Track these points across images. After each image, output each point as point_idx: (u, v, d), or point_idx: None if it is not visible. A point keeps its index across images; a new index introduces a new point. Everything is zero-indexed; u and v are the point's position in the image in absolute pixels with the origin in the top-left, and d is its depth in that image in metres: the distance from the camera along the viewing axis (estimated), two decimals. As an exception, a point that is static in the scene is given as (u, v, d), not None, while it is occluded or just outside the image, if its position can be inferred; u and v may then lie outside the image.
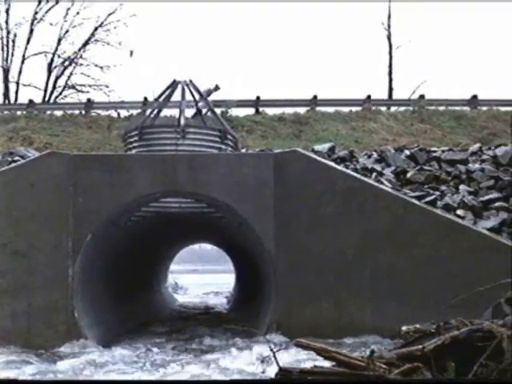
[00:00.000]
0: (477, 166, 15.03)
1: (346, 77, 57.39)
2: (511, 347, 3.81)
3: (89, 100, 26.19)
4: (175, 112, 16.85)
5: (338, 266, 12.63)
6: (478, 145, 16.86)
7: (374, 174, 14.27)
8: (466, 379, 3.62)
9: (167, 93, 15.92)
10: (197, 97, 16.22)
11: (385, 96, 29.19)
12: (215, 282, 34.73)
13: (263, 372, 6.50)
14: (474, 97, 22.82)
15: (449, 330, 5.34)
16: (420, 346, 5.09)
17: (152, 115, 16.48)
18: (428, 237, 12.28)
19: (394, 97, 29.07)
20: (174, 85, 15.90)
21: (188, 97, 15.96)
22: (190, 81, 16.16)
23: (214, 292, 30.50)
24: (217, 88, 22.48)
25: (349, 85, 54.28)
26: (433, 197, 13.15)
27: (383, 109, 22.99)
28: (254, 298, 16.80)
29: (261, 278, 15.08)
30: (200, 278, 42.32)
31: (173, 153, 14.01)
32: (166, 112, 19.19)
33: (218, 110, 19.03)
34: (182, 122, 15.00)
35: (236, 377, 8.22)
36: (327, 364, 5.43)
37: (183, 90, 15.78)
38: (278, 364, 5.54)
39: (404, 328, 7.39)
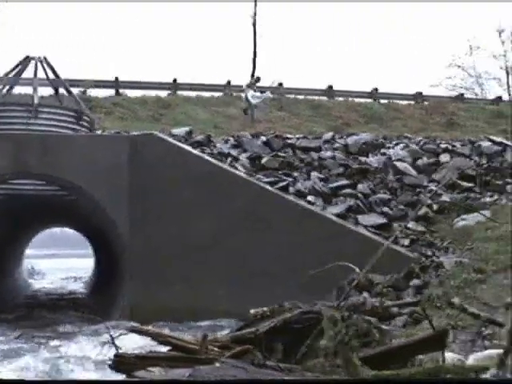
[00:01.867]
0: (328, 153, 15.60)
1: (207, 62, 57.20)
2: (331, 327, 4.02)
3: None
4: (30, 90, 16.15)
5: (194, 251, 12.70)
6: (331, 133, 17.48)
7: (229, 159, 14.43)
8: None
9: (18, 69, 15.18)
10: (51, 75, 15.60)
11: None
12: (75, 267, 33.74)
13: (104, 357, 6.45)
14: (330, 87, 23.66)
15: (283, 312, 5.55)
16: (254, 329, 5.25)
17: (2, 92, 15.68)
18: (281, 222, 12.66)
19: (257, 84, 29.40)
20: (26, 61, 15.19)
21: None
22: (45, 58, 15.50)
23: (73, 277, 29.62)
24: (258, 79, 22.05)
25: (212, 70, 54.25)
26: (285, 182, 13.53)
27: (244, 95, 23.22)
28: (111, 283, 16.56)
29: (117, 262, 14.87)
30: (60, 262, 40.89)
31: (24, 133, 13.44)
32: (19, 90, 18.36)
33: (75, 90, 18.48)
34: (36, 100, 14.39)
35: (76, 363, 8.08)
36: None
37: (36, 66, 15.13)
38: (116, 349, 5.54)
39: (252, 311, 7.60)
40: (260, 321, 5.63)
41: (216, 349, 4.89)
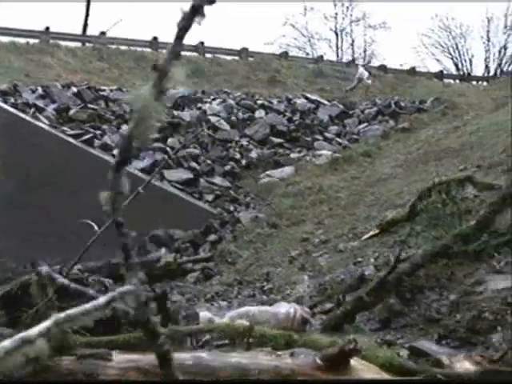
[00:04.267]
0: (142, 106, 15.17)
1: (25, 5, 52.91)
2: (38, 292, 3.76)
3: None
4: None
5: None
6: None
7: (32, 110, 13.58)
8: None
9: None
10: None
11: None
12: None
13: None
14: (155, 38, 22.99)
15: (27, 273, 5.19)
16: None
17: None
18: (84, 177, 12.14)
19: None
20: None
21: None
22: None
23: None
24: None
25: (29, 15, 50.22)
26: (89, 135, 12.95)
27: (64, 43, 21.95)
28: None
29: None
30: None
31: None
32: None
33: None
34: None
35: None
36: None
37: None
38: None
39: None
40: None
41: None
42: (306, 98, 18.27)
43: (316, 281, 7.25)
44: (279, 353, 3.12)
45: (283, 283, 7.72)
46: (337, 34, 42.80)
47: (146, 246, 11.22)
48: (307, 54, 39.45)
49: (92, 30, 29.29)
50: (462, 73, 37.08)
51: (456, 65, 39.98)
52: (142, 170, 12.38)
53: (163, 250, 10.59)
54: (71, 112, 14.16)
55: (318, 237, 9.00)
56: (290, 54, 31.57)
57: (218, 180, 12.79)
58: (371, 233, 8.11)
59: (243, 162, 13.65)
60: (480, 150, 11.28)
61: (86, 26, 30.97)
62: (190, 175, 12.67)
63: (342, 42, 43.05)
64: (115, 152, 12.78)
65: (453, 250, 5.38)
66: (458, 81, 32.14)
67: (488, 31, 39.45)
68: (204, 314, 5.48)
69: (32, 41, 21.43)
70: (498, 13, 46.92)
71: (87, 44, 22.20)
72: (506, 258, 5.14)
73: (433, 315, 4.89)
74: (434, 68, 34.98)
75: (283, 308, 5.56)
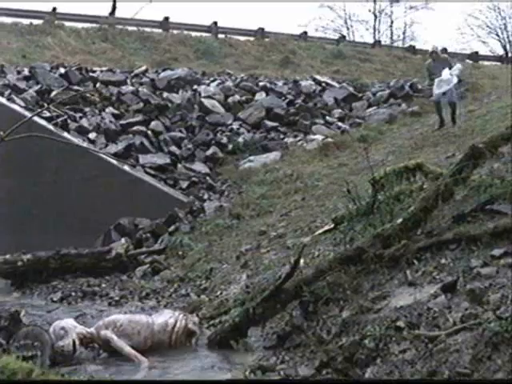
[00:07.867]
0: (130, 88, 14.36)
1: None
2: None
3: None
4: None
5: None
6: (144, 67, 16.24)
7: (9, 92, 12.93)
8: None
9: None
10: None
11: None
12: None
13: None
14: (166, 19, 22.06)
15: None
16: None
17: None
18: (52, 162, 11.53)
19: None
20: None
21: None
22: None
23: None
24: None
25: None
26: (63, 118, 12.21)
27: (69, 24, 21.19)
28: None
29: None
30: None
31: None
32: None
33: None
34: None
35: None
36: None
37: None
38: None
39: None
40: None
41: None
42: (314, 80, 17.18)
43: (249, 281, 6.34)
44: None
45: (219, 282, 6.83)
46: (375, 16, 41.15)
47: (111, 234, 10.48)
48: (343, 36, 37.96)
49: (120, 13, 28.39)
50: (502, 55, 34.93)
51: (504, 47, 37.74)
52: (116, 154, 11.57)
53: (123, 240, 9.81)
54: (53, 94, 13.47)
55: (276, 230, 8.04)
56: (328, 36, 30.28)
57: (197, 166, 11.91)
58: (326, 227, 7.12)
59: (229, 146, 12.74)
60: (480, 135, 10.10)
61: (114, 8, 30.29)
62: (166, 160, 11.82)
63: (379, 23, 41.39)
64: (90, 135, 12.09)
65: (368, 254, 4.37)
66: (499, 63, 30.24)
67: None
68: (57, 324, 4.67)
69: (36, 21, 20.76)
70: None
71: (95, 24, 21.37)
72: (425, 266, 4.12)
73: (322, 336, 3.93)
74: (482, 51, 32.85)
75: (162, 317, 4.67)
